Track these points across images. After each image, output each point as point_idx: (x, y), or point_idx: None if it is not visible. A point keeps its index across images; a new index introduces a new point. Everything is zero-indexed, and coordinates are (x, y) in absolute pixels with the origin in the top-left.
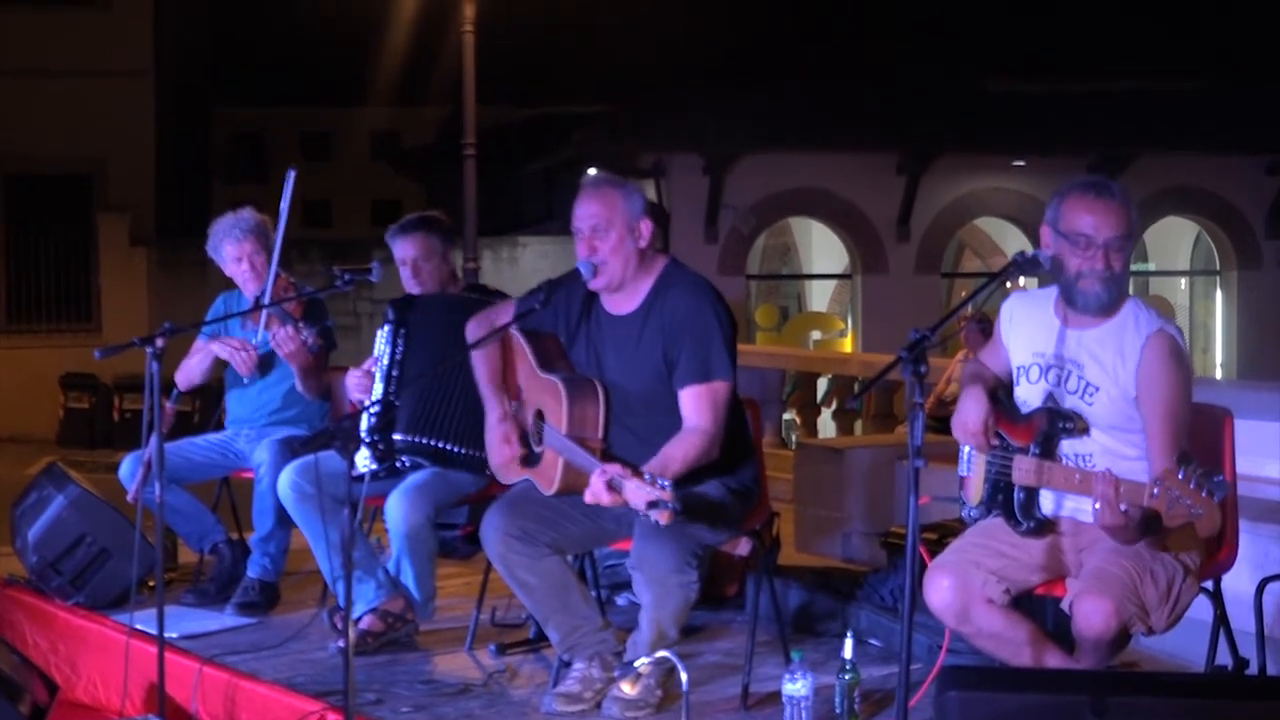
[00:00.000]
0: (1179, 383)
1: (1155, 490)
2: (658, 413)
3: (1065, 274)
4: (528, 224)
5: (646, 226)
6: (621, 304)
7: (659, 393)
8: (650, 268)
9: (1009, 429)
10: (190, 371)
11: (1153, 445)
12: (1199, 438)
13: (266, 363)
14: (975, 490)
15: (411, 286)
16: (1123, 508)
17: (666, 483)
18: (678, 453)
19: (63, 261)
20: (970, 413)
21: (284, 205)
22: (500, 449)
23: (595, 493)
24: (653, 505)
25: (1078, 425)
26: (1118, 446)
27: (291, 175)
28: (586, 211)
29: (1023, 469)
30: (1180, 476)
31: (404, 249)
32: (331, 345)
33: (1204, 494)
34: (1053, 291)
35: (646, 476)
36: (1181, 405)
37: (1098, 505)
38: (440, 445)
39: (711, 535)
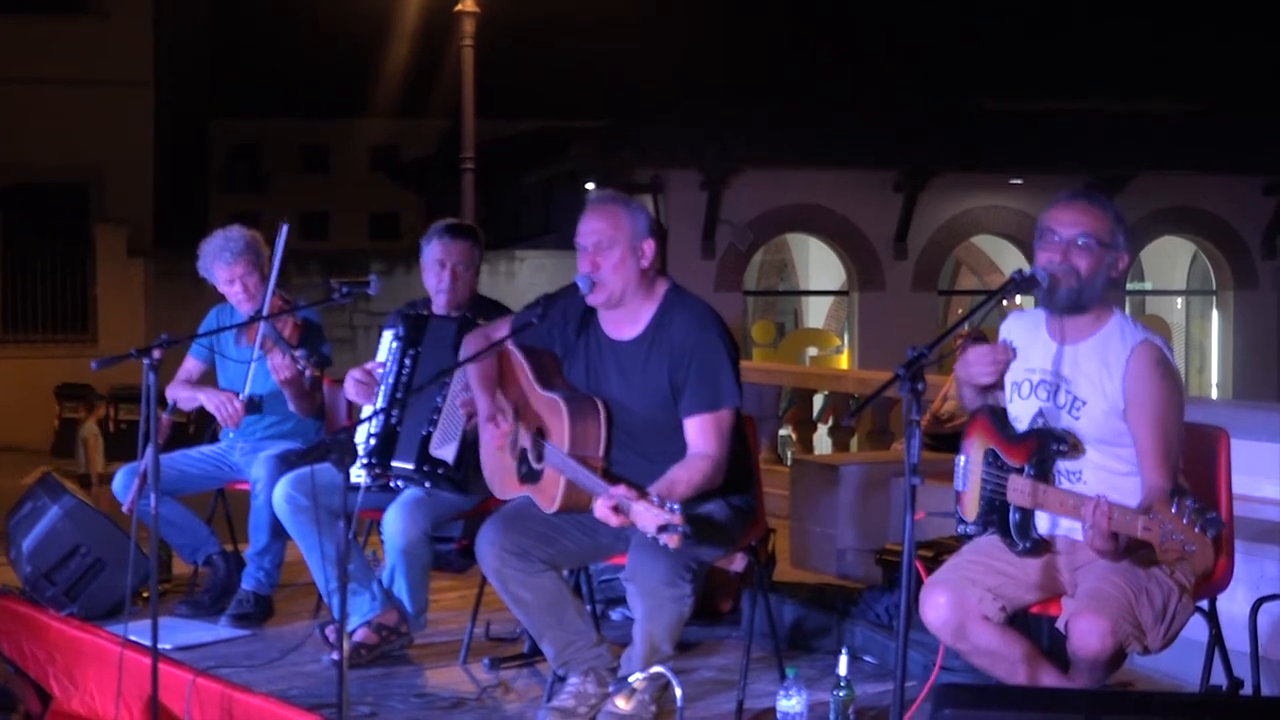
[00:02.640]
0: (1167, 393)
1: (1148, 522)
2: (660, 435)
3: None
4: (525, 238)
5: (650, 246)
6: (624, 328)
7: (662, 417)
8: (652, 292)
9: (1003, 447)
10: (179, 399)
11: (1144, 458)
12: (1195, 457)
13: (258, 383)
14: (971, 505)
15: (440, 289)
16: (1115, 534)
17: (676, 506)
18: (684, 476)
19: (59, 272)
20: (972, 356)
21: (276, 256)
22: (492, 454)
23: (602, 515)
24: (663, 529)
25: (1072, 446)
26: (1107, 461)
27: (284, 229)
28: (590, 227)
29: (1018, 490)
30: (1174, 510)
31: (448, 251)
32: (327, 363)
33: (1197, 530)
34: (1045, 312)
35: (655, 499)
36: (1171, 416)
37: (1089, 529)
38: (433, 469)
39: (709, 552)
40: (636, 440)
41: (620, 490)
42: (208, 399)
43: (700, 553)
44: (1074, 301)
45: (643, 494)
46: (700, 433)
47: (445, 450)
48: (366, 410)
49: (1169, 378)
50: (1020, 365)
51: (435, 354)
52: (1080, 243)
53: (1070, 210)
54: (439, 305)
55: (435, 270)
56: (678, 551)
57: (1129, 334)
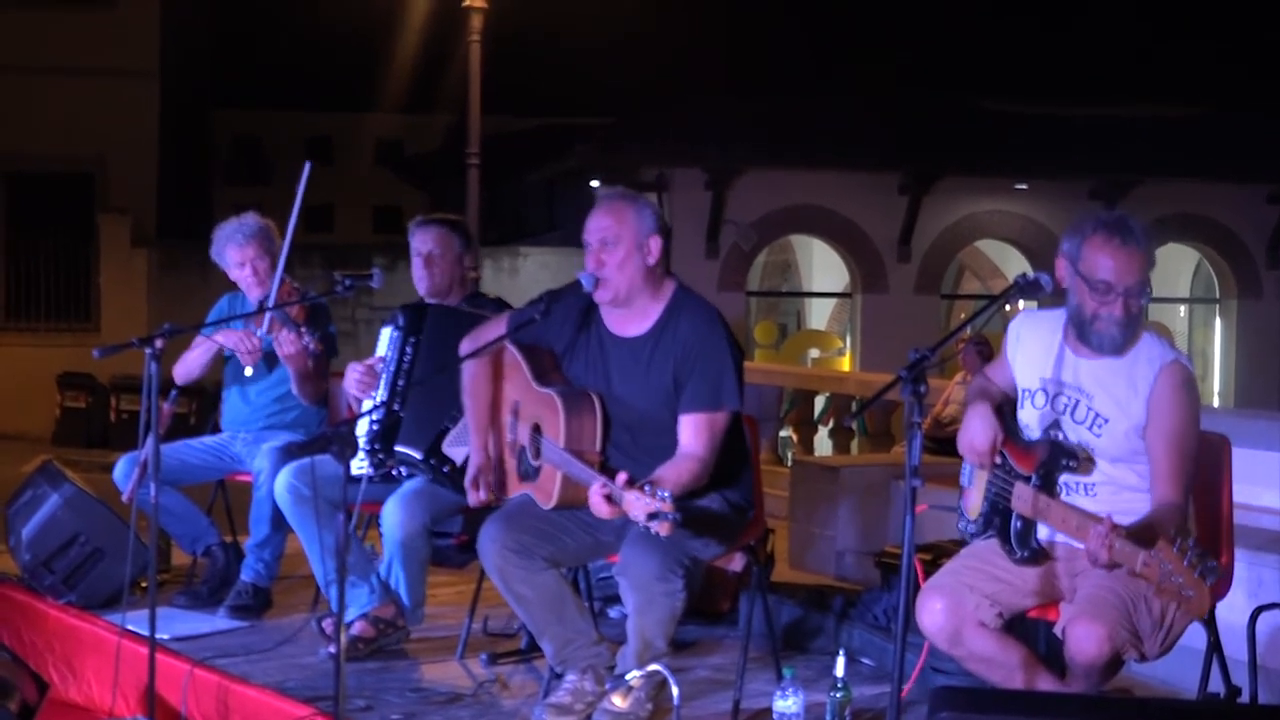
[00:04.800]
0: (1189, 415)
1: (1148, 559)
2: (660, 432)
3: (1080, 313)
4: (529, 234)
5: (656, 244)
6: (629, 326)
7: (664, 415)
8: (660, 291)
9: (1012, 451)
10: (190, 365)
11: (1158, 476)
12: (1197, 465)
13: (268, 362)
14: (974, 503)
15: (421, 279)
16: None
17: (666, 493)
18: (670, 475)
19: (62, 261)
20: (978, 432)
21: (298, 196)
22: (470, 493)
23: (594, 505)
24: (653, 516)
25: (1081, 464)
26: (1122, 476)
27: (307, 167)
28: (597, 224)
29: (1021, 498)
30: (1175, 550)
31: (423, 241)
32: (333, 352)
33: (1196, 575)
34: (1062, 314)
35: (646, 488)
36: (1189, 438)
37: (1089, 553)
38: (439, 465)
39: (704, 549)
40: (636, 437)
41: (620, 479)
42: (225, 338)
43: (695, 548)
44: (1129, 342)
45: (633, 483)
46: (694, 432)
47: (458, 451)
48: (368, 404)
49: (1192, 399)
50: (1033, 371)
51: (438, 342)
52: (1136, 291)
53: (1118, 257)
54: (421, 291)
55: (415, 261)
56: (671, 546)
57: (1157, 353)
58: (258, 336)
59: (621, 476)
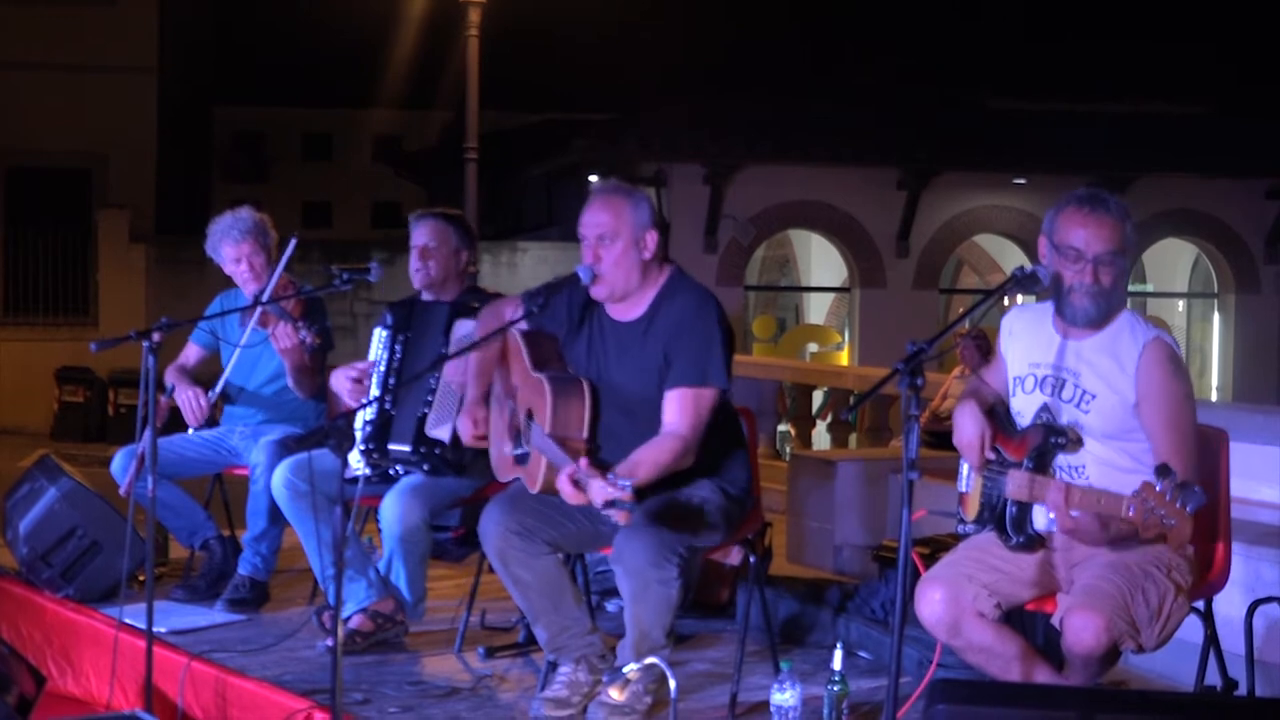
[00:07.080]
0: (1181, 390)
1: (1131, 505)
2: (657, 414)
3: (1059, 287)
4: (528, 229)
5: (652, 238)
6: (625, 310)
7: (659, 396)
8: (655, 277)
9: (1006, 444)
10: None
11: (1160, 452)
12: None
13: (239, 371)
14: (973, 507)
15: (416, 272)
16: (1074, 514)
17: (627, 483)
18: (649, 456)
19: (61, 256)
20: (966, 430)
21: (279, 266)
22: (464, 425)
23: (563, 490)
24: (610, 504)
25: (1071, 440)
26: (1112, 456)
27: (293, 243)
28: (594, 220)
29: (1015, 483)
30: (1158, 489)
31: (418, 234)
32: (329, 346)
33: (1177, 504)
34: (1051, 305)
35: (610, 476)
36: (1185, 410)
37: (1051, 515)
38: (430, 450)
39: (698, 538)
40: (632, 421)
41: (582, 464)
42: (179, 393)
43: (691, 538)
44: (1103, 316)
45: (604, 471)
46: (678, 408)
47: (442, 430)
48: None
49: (1181, 374)
50: (1024, 360)
51: (424, 338)
52: (1107, 260)
53: (1089, 225)
54: (416, 284)
55: (412, 254)
56: (666, 534)
57: (1140, 330)
58: (206, 400)
59: (583, 461)
